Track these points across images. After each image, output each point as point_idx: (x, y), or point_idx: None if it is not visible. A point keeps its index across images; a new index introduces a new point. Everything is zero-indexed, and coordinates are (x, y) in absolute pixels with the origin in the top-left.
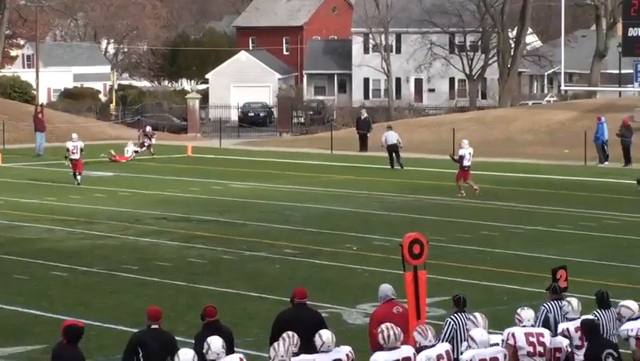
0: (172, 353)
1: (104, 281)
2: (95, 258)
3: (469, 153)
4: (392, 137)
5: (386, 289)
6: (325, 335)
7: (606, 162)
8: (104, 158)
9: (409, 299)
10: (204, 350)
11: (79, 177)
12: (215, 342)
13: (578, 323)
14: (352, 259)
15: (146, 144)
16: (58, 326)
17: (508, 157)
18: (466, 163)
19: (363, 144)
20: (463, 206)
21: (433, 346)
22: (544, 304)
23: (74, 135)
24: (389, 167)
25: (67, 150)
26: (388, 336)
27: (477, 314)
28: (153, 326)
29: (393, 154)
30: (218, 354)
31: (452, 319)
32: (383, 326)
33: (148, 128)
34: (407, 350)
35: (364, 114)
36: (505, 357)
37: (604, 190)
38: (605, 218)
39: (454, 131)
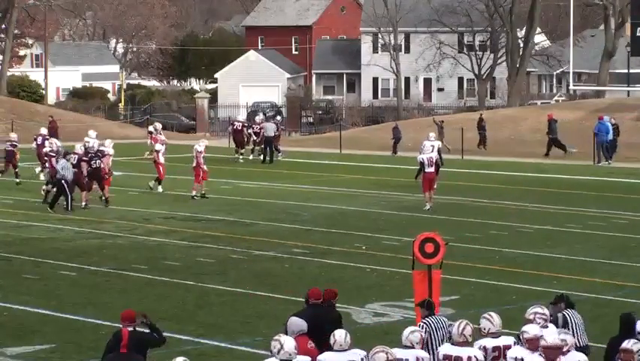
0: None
1: (112, 281)
2: (104, 257)
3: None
4: (270, 129)
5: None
6: (338, 334)
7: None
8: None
9: (416, 297)
10: (276, 349)
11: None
12: (289, 343)
13: (498, 340)
14: (361, 258)
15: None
16: (67, 325)
17: (517, 157)
18: (427, 170)
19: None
20: (472, 205)
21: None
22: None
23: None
24: (262, 160)
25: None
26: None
27: (493, 313)
28: (129, 329)
29: (268, 148)
30: (290, 355)
31: (425, 322)
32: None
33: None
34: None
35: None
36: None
37: (612, 189)
38: (613, 217)
39: (462, 131)
